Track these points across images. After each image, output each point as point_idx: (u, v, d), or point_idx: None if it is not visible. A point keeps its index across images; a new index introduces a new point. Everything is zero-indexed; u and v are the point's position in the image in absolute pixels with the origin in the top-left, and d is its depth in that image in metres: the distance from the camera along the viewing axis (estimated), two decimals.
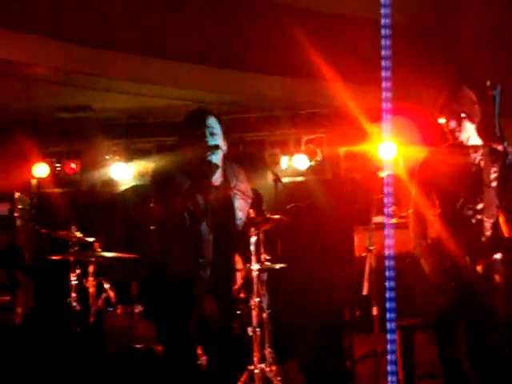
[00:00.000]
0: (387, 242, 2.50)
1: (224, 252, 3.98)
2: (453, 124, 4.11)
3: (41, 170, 7.09)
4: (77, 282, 4.91)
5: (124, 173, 7.20)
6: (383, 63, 2.38)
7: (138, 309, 4.95)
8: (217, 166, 3.91)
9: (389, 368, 2.48)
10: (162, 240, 3.94)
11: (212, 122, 3.96)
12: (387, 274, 2.45)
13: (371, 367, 4.93)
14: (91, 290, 4.76)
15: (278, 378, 4.71)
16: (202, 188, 3.88)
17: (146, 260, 4.57)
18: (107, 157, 7.18)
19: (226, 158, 4.03)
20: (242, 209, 4.04)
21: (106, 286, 4.81)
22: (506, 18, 5.41)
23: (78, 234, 4.94)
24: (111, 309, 4.93)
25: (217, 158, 3.90)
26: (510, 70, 5.01)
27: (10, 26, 5.43)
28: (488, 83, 3.54)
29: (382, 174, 2.48)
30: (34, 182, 7.16)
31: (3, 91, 6.29)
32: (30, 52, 5.65)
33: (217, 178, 3.96)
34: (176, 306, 3.80)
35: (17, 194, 6.15)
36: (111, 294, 4.84)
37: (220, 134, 3.97)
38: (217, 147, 3.89)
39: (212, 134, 3.92)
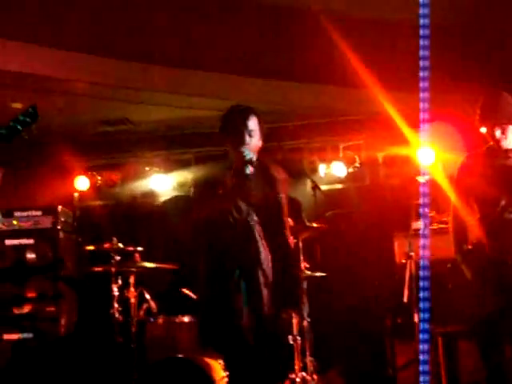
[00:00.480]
0: (422, 251, 2.47)
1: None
2: (498, 133, 4.04)
3: (82, 183, 7.20)
4: (118, 293, 4.97)
5: (164, 184, 7.26)
6: (421, 65, 2.36)
7: (180, 319, 4.99)
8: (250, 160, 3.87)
9: (421, 379, 2.46)
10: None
11: (252, 123, 3.98)
12: (421, 284, 2.42)
13: (413, 375, 4.87)
14: (133, 300, 4.81)
15: None
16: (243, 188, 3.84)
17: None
18: (147, 168, 7.26)
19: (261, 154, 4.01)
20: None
21: (147, 296, 4.86)
22: None
23: (120, 245, 5.00)
24: (153, 319, 4.97)
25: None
26: None
27: (51, 44, 5.56)
28: None
29: (421, 180, 2.46)
30: (76, 195, 7.27)
31: (45, 106, 6.37)
32: (70, 68, 5.77)
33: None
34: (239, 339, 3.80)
35: (59, 208, 6.26)
36: (152, 304, 4.88)
37: (257, 132, 3.99)
38: (251, 162, 3.85)
39: (250, 136, 3.92)
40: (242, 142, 3.86)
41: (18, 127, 2.89)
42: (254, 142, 3.93)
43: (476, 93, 5.89)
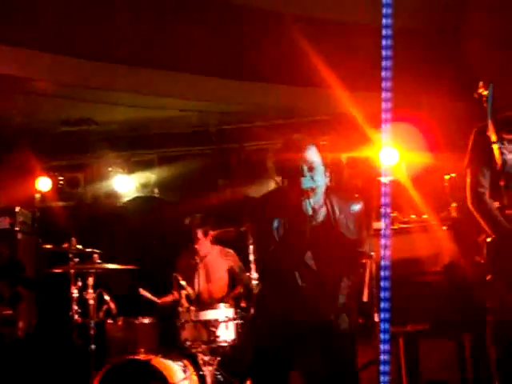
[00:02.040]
0: (383, 252, 2.46)
1: None
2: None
3: (44, 183, 7.10)
4: (78, 294, 4.90)
5: (126, 185, 7.21)
6: (383, 65, 2.36)
7: (140, 320, 4.94)
8: (313, 210, 3.46)
9: (381, 379, 2.45)
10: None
11: (311, 154, 3.55)
12: (382, 283, 2.40)
13: (374, 374, 4.87)
14: (91, 302, 4.74)
15: None
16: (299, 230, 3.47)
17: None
18: (110, 169, 7.19)
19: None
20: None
21: (107, 297, 4.80)
22: (509, 20, 5.38)
23: (78, 246, 4.94)
24: (112, 320, 4.92)
25: (314, 200, 3.46)
26: (508, 71, 4.97)
27: (12, 42, 5.47)
28: (481, 84, 3.53)
29: (383, 180, 2.45)
30: (37, 196, 7.17)
31: (7, 106, 6.33)
32: (32, 67, 5.69)
33: (318, 217, 3.51)
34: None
35: (17, 208, 6.18)
36: (112, 305, 4.82)
37: (320, 167, 3.54)
38: (313, 190, 3.43)
39: (310, 170, 3.47)
40: (299, 175, 3.49)
41: None
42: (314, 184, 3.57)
43: (439, 94, 5.97)
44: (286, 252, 3.49)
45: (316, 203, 3.45)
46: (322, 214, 3.51)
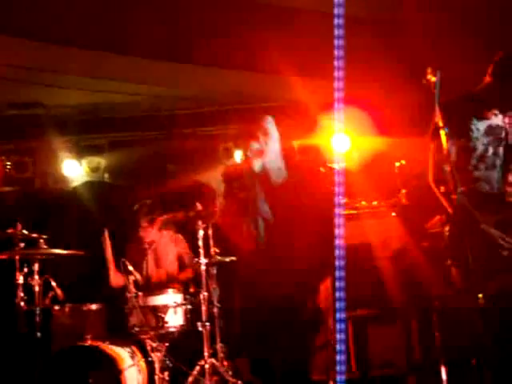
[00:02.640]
0: (337, 231, 2.47)
1: None
2: None
3: None
4: (23, 281, 4.80)
5: (76, 169, 7.10)
6: (336, 55, 2.36)
7: (87, 307, 4.88)
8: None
9: (338, 357, 2.46)
10: None
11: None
12: (337, 263, 2.42)
13: (324, 359, 4.93)
14: (37, 288, 4.66)
15: (230, 373, 4.69)
16: None
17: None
18: (59, 153, 7.07)
19: None
20: None
21: (53, 283, 4.71)
22: (449, 6, 5.45)
23: (24, 232, 4.83)
24: (59, 307, 4.84)
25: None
26: (454, 58, 5.03)
27: None
28: (429, 70, 3.55)
29: (335, 166, 2.45)
30: None
31: None
32: None
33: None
34: None
35: None
36: (59, 292, 4.74)
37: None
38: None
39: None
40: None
41: None
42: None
43: (389, 80, 6.01)
44: None
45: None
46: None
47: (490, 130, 3.77)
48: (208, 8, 5.87)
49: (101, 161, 7.02)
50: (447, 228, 3.89)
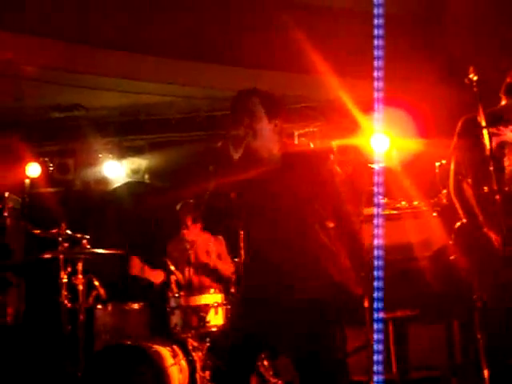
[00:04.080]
0: (376, 231, 2.45)
1: None
2: None
3: (33, 169, 7.07)
4: (67, 280, 4.89)
5: (117, 170, 7.19)
6: (376, 55, 2.35)
7: (129, 306, 4.94)
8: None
9: (375, 358, 2.44)
10: None
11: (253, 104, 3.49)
12: (376, 263, 2.40)
13: (364, 359, 4.90)
14: (81, 287, 4.73)
15: (271, 373, 4.70)
16: None
17: None
18: (100, 155, 7.16)
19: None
20: None
21: (96, 283, 4.79)
22: (491, 6, 5.38)
23: (68, 232, 4.92)
24: (102, 306, 4.91)
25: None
26: (494, 59, 4.97)
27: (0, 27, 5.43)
28: (471, 69, 3.52)
29: (375, 167, 2.44)
30: (27, 181, 7.13)
31: None
32: (20, 51, 5.65)
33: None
34: None
35: (7, 194, 6.14)
36: (101, 291, 4.81)
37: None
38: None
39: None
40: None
41: None
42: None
43: (429, 80, 5.96)
44: None
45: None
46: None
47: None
48: (247, 9, 5.89)
49: (141, 162, 7.09)
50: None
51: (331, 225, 3.47)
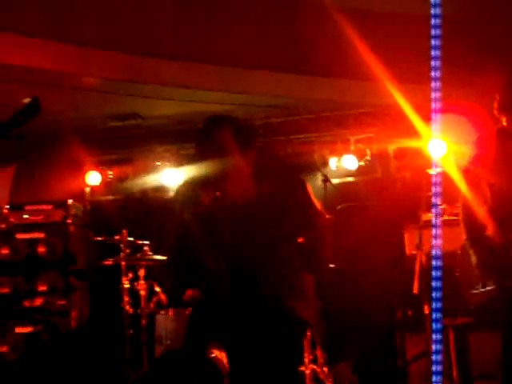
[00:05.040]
0: (435, 241, 2.44)
1: None
2: None
3: (93, 177, 7.24)
4: (129, 285, 4.98)
5: (174, 178, 7.28)
6: (432, 55, 2.34)
7: (190, 311, 4.99)
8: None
9: (434, 368, 2.43)
10: None
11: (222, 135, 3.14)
12: (434, 273, 2.39)
13: (424, 367, 4.85)
14: (143, 293, 4.82)
15: (330, 380, 4.68)
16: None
17: None
18: (157, 163, 7.27)
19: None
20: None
21: (157, 289, 4.87)
22: None
23: (130, 239, 5.02)
24: (163, 312, 4.98)
25: None
26: None
27: (61, 39, 5.57)
28: None
29: (432, 172, 2.44)
30: (87, 189, 7.30)
31: (56, 102, 6.44)
32: (79, 63, 5.78)
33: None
34: None
35: (70, 201, 6.30)
36: (162, 297, 4.89)
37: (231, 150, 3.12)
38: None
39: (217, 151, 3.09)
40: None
41: (20, 119, 2.89)
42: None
43: (489, 84, 5.87)
44: None
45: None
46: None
47: None
48: (302, 15, 5.91)
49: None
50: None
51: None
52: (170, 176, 7.26)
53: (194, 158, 3.26)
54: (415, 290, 4.68)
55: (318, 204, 3.31)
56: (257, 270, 3.18)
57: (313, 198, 3.29)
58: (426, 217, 4.96)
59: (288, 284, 3.24)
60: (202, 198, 3.11)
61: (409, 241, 5.61)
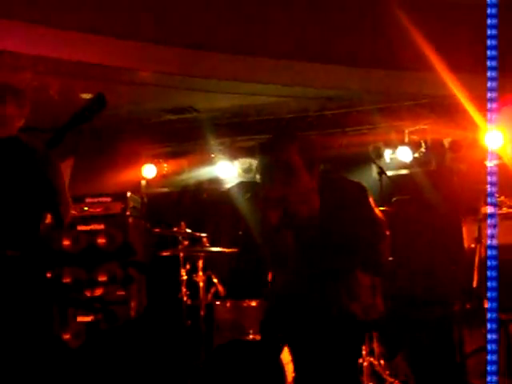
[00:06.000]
0: (490, 231, 2.43)
1: None
2: None
3: (149, 170, 7.35)
4: (187, 277, 5.06)
5: (229, 170, 7.34)
6: (488, 44, 2.32)
7: (247, 303, 5.05)
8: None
9: (488, 368, 2.42)
10: None
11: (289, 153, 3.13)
12: (489, 263, 2.38)
13: (483, 362, 4.79)
14: (201, 284, 4.89)
15: (387, 372, 4.69)
16: None
17: None
18: (212, 155, 7.34)
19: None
20: None
21: (215, 280, 4.93)
22: None
23: (188, 230, 5.09)
24: (221, 302, 5.05)
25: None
26: None
27: (118, 35, 5.66)
28: None
29: (489, 164, 2.42)
30: (143, 182, 7.42)
31: (113, 96, 6.49)
32: (135, 58, 5.86)
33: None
34: None
35: (129, 194, 6.41)
36: (220, 288, 4.95)
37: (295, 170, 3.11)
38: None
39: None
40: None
41: (87, 115, 2.97)
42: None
43: None
44: None
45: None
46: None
47: None
48: (355, 7, 5.87)
49: (252, 162, 7.21)
50: None
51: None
52: (225, 168, 7.33)
53: (259, 173, 3.31)
54: (475, 284, 4.64)
55: (379, 212, 3.36)
56: (322, 283, 3.26)
57: (375, 208, 3.34)
58: (485, 210, 4.90)
59: (353, 294, 3.30)
60: (271, 217, 3.13)
61: (467, 234, 5.55)
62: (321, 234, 3.16)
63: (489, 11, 2.36)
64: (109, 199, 6.35)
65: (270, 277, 4.03)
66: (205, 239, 4.96)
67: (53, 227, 3.40)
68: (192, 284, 5.11)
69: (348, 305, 3.25)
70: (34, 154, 3.24)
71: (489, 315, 2.40)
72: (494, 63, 2.34)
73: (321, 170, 3.29)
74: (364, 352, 4.55)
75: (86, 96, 6.22)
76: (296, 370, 3.47)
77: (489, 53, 2.33)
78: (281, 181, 3.04)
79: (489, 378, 2.39)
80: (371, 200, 3.34)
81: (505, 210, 5.39)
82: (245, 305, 5.00)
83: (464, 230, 5.63)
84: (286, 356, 4.63)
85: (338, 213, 3.17)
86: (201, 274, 4.86)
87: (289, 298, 3.33)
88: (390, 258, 4.63)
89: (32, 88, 5.69)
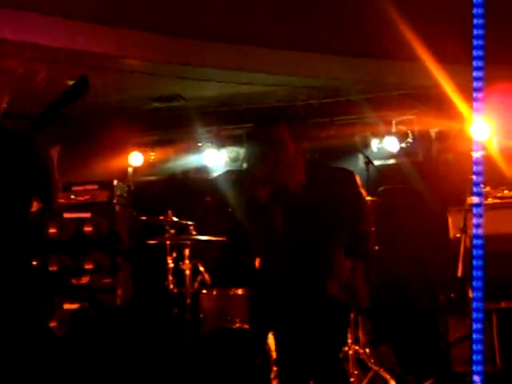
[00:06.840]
0: (476, 220, 2.43)
1: None
2: None
3: (136, 158, 7.33)
4: (173, 265, 5.06)
5: (216, 159, 7.33)
6: (475, 34, 2.32)
7: (233, 291, 5.06)
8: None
9: (474, 358, 2.43)
10: None
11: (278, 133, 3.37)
12: (475, 252, 2.39)
13: (467, 351, 4.84)
14: (187, 272, 4.90)
15: (372, 360, 4.73)
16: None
17: None
18: (199, 144, 7.32)
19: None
20: None
21: (201, 268, 4.94)
22: None
23: (174, 219, 5.08)
24: (207, 291, 5.06)
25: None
26: None
27: (105, 22, 5.63)
28: None
29: (475, 155, 2.43)
30: (130, 170, 7.40)
31: (99, 84, 6.47)
32: (123, 45, 5.83)
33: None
34: None
35: (115, 182, 6.40)
36: (206, 276, 4.96)
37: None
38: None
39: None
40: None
41: (69, 98, 2.96)
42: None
43: None
44: None
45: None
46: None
47: None
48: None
49: (239, 151, 7.20)
50: None
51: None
52: (212, 157, 7.32)
53: (249, 155, 3.54)
54: (460, 274, 4.68)
55: (365, 195, 3.51)
56: (306, 258, 3.36)
57: (362, 190, 3.46)
58: (471, 200, 4.94)
59: (333, 271, 3.38)
60: (260, 194, 3.30)
61: (453, 223, 5.59)
62: (307, 209, 3.30)
63: (475, 0, 2.37)
64: (95, 187, 6.33)
65: (257, 264, 4.08)
66: (191, 227, 4.96)
67: (40, 214, 3.40)
68: (178, 272, 5.12)
69: (325, 282, 3.34)
70: (19, 139, 3.22)
71: (474, 304, 2.41)
72: (480, 52, 2.33)
73: (308, 159, 3.42)
74: (349, 340, 4.60)
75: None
76: (278, 354, 3.52)
77: (475, 42, 2.33)
78: (270, 157, 3.23)
79: (475, 368, 2.40)
80: (358, 180, 3.47)
81: (490, 200, 5.43)
82: (231, 293, 5.02)
83: (450, 219, 5.67)
84: (272, 343, 4.67)
85: (324, 188, 3.33)
86: (187, 262, 4.87)
87: (273, 283, 3.42)
88: (376, 247, 4.67)
89: (18, 75, 5.64)
